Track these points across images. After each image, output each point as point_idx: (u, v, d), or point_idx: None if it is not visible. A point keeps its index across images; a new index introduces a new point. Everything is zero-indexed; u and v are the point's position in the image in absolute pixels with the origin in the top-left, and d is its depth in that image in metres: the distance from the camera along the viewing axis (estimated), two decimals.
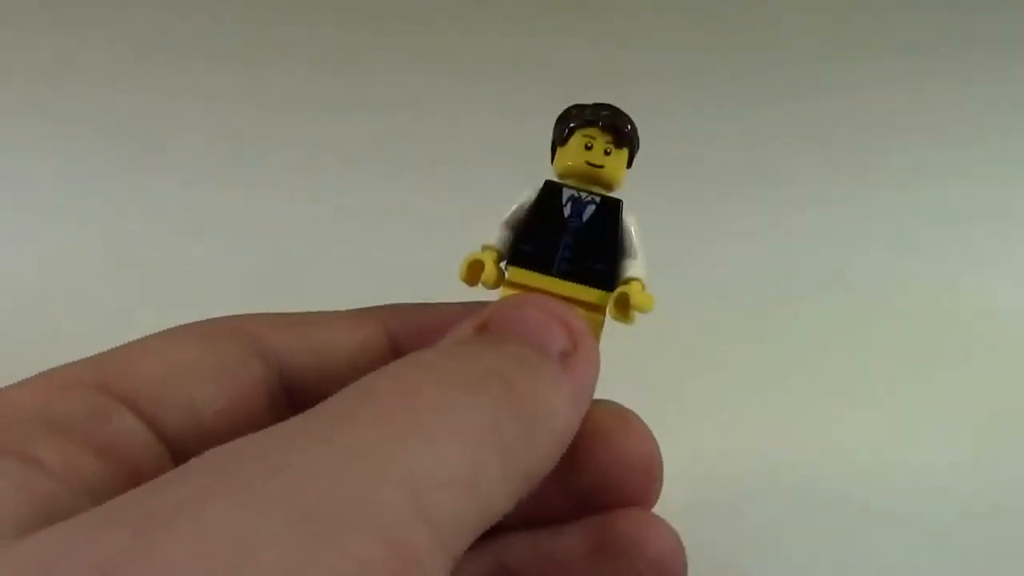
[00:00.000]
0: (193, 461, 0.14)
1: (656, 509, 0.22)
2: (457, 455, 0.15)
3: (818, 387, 0.42)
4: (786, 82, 0.52)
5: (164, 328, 0.20)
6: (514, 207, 0.22)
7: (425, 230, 0.46)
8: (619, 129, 0.21)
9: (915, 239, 0.49)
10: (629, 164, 0.22)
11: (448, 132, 0.51)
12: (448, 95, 0.51)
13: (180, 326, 0.20)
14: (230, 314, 0.21)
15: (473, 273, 0.21)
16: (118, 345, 0.19)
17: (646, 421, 0.22)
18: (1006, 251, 0.49)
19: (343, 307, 0.22)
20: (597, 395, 0.22)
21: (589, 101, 0.22)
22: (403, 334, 0.22)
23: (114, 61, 0.52)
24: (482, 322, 0.19)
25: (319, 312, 0.22)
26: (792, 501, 0.37)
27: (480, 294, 0.21)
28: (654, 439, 0.22)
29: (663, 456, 0.22)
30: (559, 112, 0.23)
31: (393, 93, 0.51)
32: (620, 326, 0.22)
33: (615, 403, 0.22)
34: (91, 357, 0.18)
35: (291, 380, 0.20)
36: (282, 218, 0.48)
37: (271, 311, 0.21)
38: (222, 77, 0.52)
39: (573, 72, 0.51)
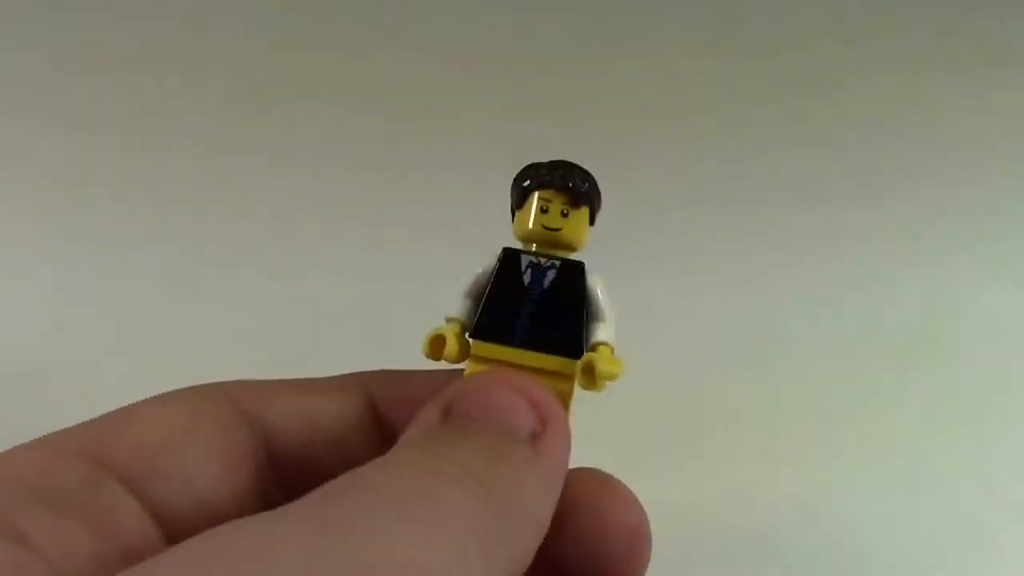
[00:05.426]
0: (187, 543, 0.14)
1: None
2: (444, 547, 0.15)
3: (815, 439, 0.43)
4: (785, 94, 0.53)
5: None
6: (475, 275, 0.21)
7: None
8: (575, 189, 0.21)
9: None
10: (592, 221, 0.21)
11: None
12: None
13: (168, 393, 0.20)
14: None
15: (436, 350, 0.21)
16: (109, 412, 0.19)
17: (632, 483, 0.22)
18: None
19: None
20: (581, 460, 0.22)
21: (547, 158, 0.21)
22: (385, 403, 0.22)
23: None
24: (446, 406, 0.19)
25: (304, 380, 0.22)
26: (786, 561, 0.36)
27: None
28: (640, 507, 0.21)
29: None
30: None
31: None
32: None
33: (599, 471, 0.22)
34: (82, 425, 0.19)
35: (276, 447, 0.20)
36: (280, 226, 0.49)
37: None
38: (211, 81, 0.53)
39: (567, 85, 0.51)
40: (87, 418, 0.19)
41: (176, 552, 0.14)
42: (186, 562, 0.13)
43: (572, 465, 0.21)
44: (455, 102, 0.51)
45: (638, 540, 0.21)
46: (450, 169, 0.50)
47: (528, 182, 0.21)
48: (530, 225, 0.21)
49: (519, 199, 0.21)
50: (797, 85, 0.51)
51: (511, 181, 0.22)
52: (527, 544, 0.17)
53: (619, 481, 0.21)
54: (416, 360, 0.22)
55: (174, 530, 0.18)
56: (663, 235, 0.49)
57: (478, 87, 0.52)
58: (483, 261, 0.21)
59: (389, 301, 0.44)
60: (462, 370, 0.21)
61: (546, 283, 0.21)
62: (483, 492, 0.16)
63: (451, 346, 0.20)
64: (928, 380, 0.45)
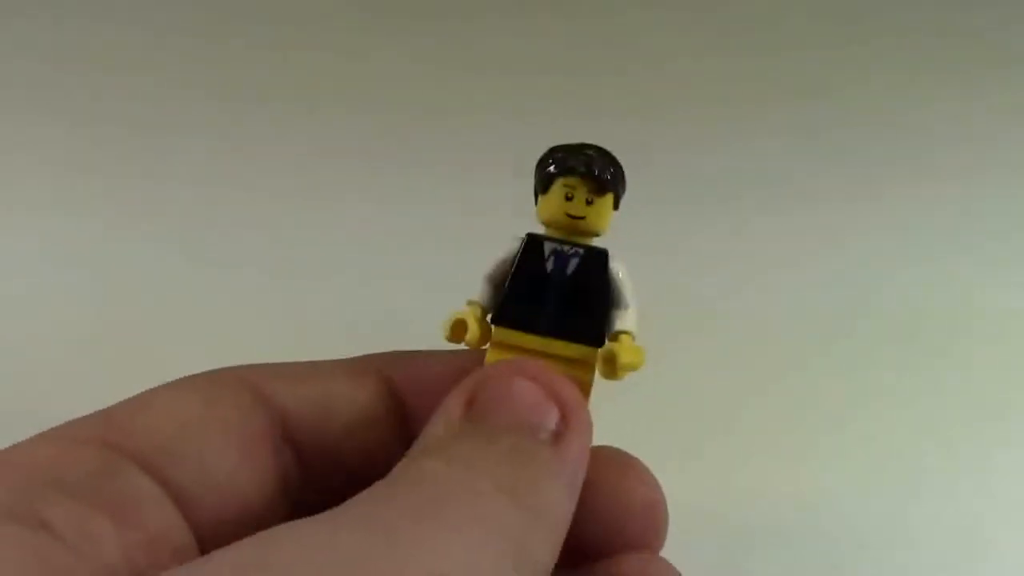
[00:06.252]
0: (229, 552, 0.14)
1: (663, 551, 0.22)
2: (481, 558, 0.15)
3: (815, 439, 0.43)
4: (796, 94, 0.53)
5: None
6: (497, 260, 0.21)
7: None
8: (600, 177, 0.20)
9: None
10: (616, 206, 0.21)
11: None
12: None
13: (183, 378, 0.20)
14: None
15: (457, 333, 0.20)
16: (123, 400, 0.19)
17: (651, 462, 0.22)
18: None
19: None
20: (598, 440, 0.22)
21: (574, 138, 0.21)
22: (401, 384, 0.22)
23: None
24: (469, 397, 0.18)
25: (319, 362, 0.22)
26: (803, 545, 0.36)
27: None
28: (658, 484, 0.21)
29: (669, 498, 0.21)
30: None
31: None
32: None
33: (617, 449, 0.22)
34: (96, 413, 0.18)
35: (292, 431, 0.20)
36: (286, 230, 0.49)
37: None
38: (216, 78, 0.53)
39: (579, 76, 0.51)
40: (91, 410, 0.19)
41: (225, 558, 0.14)
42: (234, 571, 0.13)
43: None
44: (456, 101, 0.51)
45: (655, 515, 0.21)
46: (452, 167, 0.50)
47: (553, 167, 0.21)
48: (554, 212, 0.21)
49: (543, 183, 0.21)
50: (797, 85, 0.52)
51: (535, 164, 0.21)
52: (553, 546, 0.17)
53: (635, 458, 0.21)
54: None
55: (194, 516, 0.18)
56: (662, 234, 0.49)
57: (479, 86, 0.52)
58: (504, 247, 0.21)
59: (390, 299, 0.44)
60: (479, 351, 0.21)
61: (569, 270, 0.20)
62: (511, 504, 0.16)
63: (473, 331, 0.20)
64: (928, 380, 0.45)
